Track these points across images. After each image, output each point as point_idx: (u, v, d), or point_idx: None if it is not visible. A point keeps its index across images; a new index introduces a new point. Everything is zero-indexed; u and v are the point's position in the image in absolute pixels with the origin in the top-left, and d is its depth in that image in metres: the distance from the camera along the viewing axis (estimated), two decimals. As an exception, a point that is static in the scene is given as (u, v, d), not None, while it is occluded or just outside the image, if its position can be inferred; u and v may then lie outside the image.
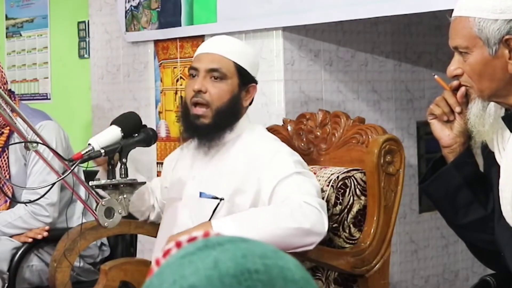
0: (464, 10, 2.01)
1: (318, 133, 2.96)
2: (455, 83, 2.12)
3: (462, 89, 2.09)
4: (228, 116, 2.68)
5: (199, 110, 2.66)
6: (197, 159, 2.76)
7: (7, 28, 5.05)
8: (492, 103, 2.10)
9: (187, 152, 2.83)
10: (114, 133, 2.46)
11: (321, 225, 2.45)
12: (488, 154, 2.13)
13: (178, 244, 0.93)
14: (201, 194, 2.67)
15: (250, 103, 2.77)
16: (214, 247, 0.89)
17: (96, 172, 2.85)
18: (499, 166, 2.08)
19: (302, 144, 2.99)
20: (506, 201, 2.00)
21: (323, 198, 2.75)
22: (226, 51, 2.70)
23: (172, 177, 2.83)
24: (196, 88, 2.65)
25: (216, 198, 2.64)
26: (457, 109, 2.12)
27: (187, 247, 0.91)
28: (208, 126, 2.66)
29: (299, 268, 0.90)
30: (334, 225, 2.76)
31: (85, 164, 2.41)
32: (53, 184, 2.41)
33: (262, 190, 2.60)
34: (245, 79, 2.71)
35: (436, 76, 2.21)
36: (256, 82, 2.74)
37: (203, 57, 2.71)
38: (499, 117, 2.08)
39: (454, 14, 2.05)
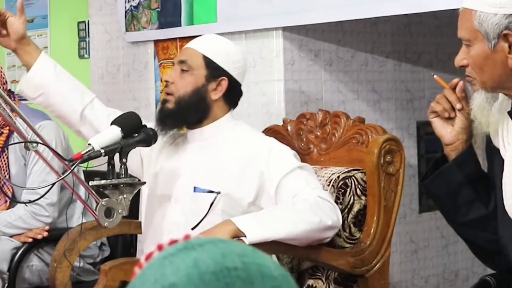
0: (469, 2, 2.02)
1: (318, 133, 2.96)
2: (454, 81, 2.13)
3: (461, 83, 2.11)
4: (190, 105, 2.70)
5: (165, 95, 2.75)
6: (182, 155, 2.76)
7: (7, 28, 5.04)
8: (501, 97, 2.10)
9: (168, 147, 2.83)
10: (114, 133, 2.46)
11: (337, 218, 2.55)
12: (492, 149, 2.13)
13: (160, 247, 0.96)
14: (195, 189, 2.67)
15: (234, 102, 2.78)
16: (194, 248, 0.92)
17: (96, 172, 2.85)
18: (503, 161, 2.08)
19: (302, 144, 2.99)
20: (510, 195, 2.00)
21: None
22: (199, 45, 2.77)
23: (158, 171, 2.80)
24: (164, 79, 2.80)
25: (212, 192, 2.64)
26: (458, 105, 2.13)
27: (168, 249, 0.94)
28: (172, 110, 2.71)
29: (277, 266, 0.93)
30: (334, 225, 2.76)
31: (85, 164, 2.41)
32: (53, 184, 2.41)
33: (266, 184, 2.63)
34: (215, 72, 2.73)
35: (435, 76, 2.22)
36: (228, 76, 2.74)
37: (180, 52, 2.83)
38: (505, 111, 2.08)
39: (462, 5, 2.06)
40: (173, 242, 0.96)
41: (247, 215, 2.51)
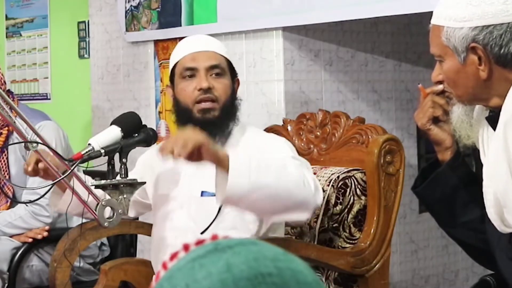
0: (436, 19, 2.04)
1: (318, 133, 2.96)
2: (435, 88, 2.14)
3: (440, 86, 2.11)
4: (232, 110, 2.68)
5: (207, 104, 2.64)
6: None
7: (7, 28, 5.05)
8: (478, 106, 2.12)
9: None
10: (114, 133, 2.46)
11: (316, 195, 2.43)
12: (478, 155, 2.15)
13: (186, 247, 0.92)
14: (202, 193, 2.63)
15: None
16: (224, 250, 0.88)
17: (96, 172, 2.85)
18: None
19: (302, 144, 2.99)
20: (489, 203, 2.01)
21: (323, 198, 2.76)
22: (217, 47, 2.73)
23: (162, 176, 2.75)
24: (205, 86, 2.62)
25: None
26: (450, 107, 2.14)
27: (197, 250, 0.90)
28: (218, 118, 2.64)
29: (310, 270, 0.90)
30: (334, 225, 2.76)
31: (85, 164, 2.41)
32: (53, 184, 2.41)
33: None
34: (233, 72, 2.74)
35: (419, 85, 2.24)
36: (237, 73, 2.77)
37: (198, 56, 2.69)
38: (483, 117, 2.10)
39: (431, 21, 2.07)
40: (200, 242, 0.91)
41: (243, 156, 2.36)
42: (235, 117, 2.70)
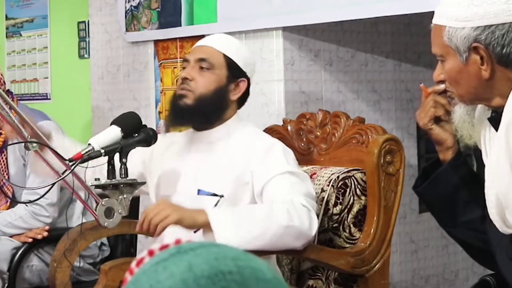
0: (438, 18, 2.04)
1: (318, 133, 2.96)
2: (441, 87, 2.14)
3: (441, 85, 2.11)
4: (211, 103, 2.68)
5: (183, 91, 2.69)
6: (186, 156, 2.73)
7: (7, 28, 5.05)
8: (479, 106, 2.12)
9: (170, 149, 2.80)
10: (114, 133, 2.46)
11: (309, 226, 2.48)
12: (480, 155, 2.15)
13: (151, 253, 0.96)
14: (199, 192, 2.65)
15: (243, 103, 2.78)
16: (186, 252, 0.92)
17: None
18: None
19: (302, 144, 2.99)
20: (491, 204, 2.01)
21: (323, 198, 2.76)
22: (218, 44, 2.74)
23: (161, 173, 2.76)
24: (183, 76, 2.69)
25: (216, 195, 2.62)
26: (451, 107, 2.14)
27: (161, 254, 0.94)
28: (190, 106, 2.66)
29: (270, 269, 0.93)
30: (334, 225, 2.76)
31: (85, 164, 2.41)
32: (53, 184, 2.41)
33: (254, 184, 2.61)
34: (235, 72, 2.72)
35: (421, 85, 2.24)
36: (247, 78, 2.75)
37: (195, 49, 2.79)
38: (486, 118, 2.09)
39: (432, 21, 2.07)
40: (164, 247, 0.95)
41: (225, 210, 2.50)
42: (216, 113, 2.70)
